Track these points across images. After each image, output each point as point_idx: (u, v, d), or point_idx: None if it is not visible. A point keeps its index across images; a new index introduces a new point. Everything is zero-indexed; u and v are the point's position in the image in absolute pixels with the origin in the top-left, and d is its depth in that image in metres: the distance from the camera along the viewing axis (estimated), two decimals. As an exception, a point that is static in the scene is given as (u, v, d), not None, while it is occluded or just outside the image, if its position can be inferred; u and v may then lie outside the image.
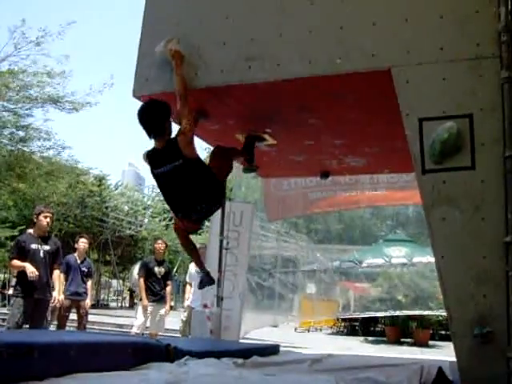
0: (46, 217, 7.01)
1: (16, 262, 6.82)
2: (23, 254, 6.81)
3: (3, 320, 14.47)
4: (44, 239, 7.04)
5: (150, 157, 4.24)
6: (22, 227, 20.58)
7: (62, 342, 3.32)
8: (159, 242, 9.73)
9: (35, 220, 7.06)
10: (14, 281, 9.34)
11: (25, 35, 17.73)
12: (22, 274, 6.72)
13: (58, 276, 7.28)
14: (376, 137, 5.05)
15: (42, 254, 6.89)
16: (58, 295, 7.24)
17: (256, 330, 11.59)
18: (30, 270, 6.56)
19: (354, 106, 4.25)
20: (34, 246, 6.87)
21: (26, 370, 2.76)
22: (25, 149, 19.24)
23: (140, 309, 9.10)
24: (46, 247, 6.98)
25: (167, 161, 4.11)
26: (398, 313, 15.46)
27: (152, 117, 4.12)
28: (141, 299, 9.18)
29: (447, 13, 3.44)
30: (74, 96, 18.92)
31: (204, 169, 4.31)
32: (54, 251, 7.13)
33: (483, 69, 3.28)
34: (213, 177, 4.34)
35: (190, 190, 4.22)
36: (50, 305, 7.17)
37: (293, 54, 3.82)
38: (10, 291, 16.69)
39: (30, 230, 7.40)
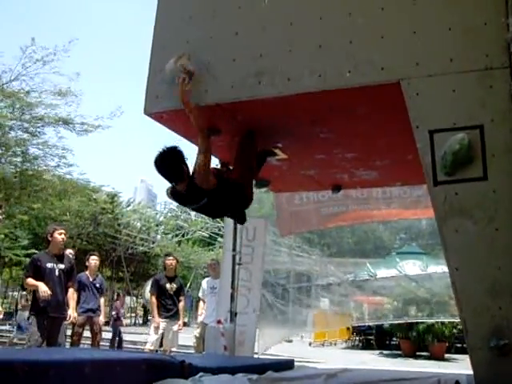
0: (60, 234, 7.06)
1: (30, 281, 6.84)
2: (39, 272, 6.84)
3: (18, 338, 14.50)
4: (59, 258, 7.07)
5: (175, 196, 4.39)
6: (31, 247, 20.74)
7: (76, 359, 3.32)
8: (170, 258, 9.67)
9: (49, 238, 7.09)
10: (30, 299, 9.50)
11: (30, 54, 17.81)
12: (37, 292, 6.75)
13: (72, 294, 7.30)
14: (387, 149, 5.04)
15: (57, 273, 6.93)
16: (72, 313, 7.26)
17: (274, 345, 11.55)
18: (43, 289, 6.59)
19: (365, 118, 4.25)
20: (49, 265, 6.91)
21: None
22: (35, 167, 19.30)
23: (153, 325, 9.09)
24: (61, 266, 7.02)
25: (194, 201, 4.33)
26: (413, 320, 15.31)
27: (169, 166, 4.19)
28: (153, 316, 9.16)
29: (456, 24, 3.45)
30: (84, 119, 18.98)
31: (227, 188, 4.39)
32: (69, 269, 7.17)
33: (493, 79, 3.28)
34: (236, 188, 4.47)
35: (222, 210, 4.69)
36: (65, 322, 7.19)
37: (303, 69, 3.83)
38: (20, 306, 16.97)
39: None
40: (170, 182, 4.28)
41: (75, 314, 7.52)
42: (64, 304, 7.02)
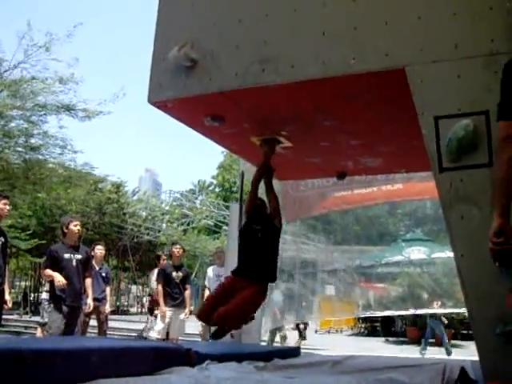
0: (75, 225, 7.15)
1: (47, 272, 6.94)
2: (56, 263, 6.91)
3: (26, 327, 14.57)
4: (75, 248, 7.15)
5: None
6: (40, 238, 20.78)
7: (84, 347, 3.34)
8: (177, 246, 9.62)
9: (65, 230, 7.16)
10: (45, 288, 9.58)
11: (33, 40, 17.68)
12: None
13: (89, 284, 7.41)
14: (392, 136, 5.02)
15: (74, 263, 7.01)
16: (90, 302, 7.40)
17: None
18: (58, 279, 6.67)
19: (369, 105, 4.23)
20: (66, 255, 6.98)
21: (50, 376, 2.78)
22: (39, 156, 19.25)
23: (159, 314, 9.11)
24: (78, 256, 7.10)
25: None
26: (419, 311, 15.32)
27: None
28: (160, 305, 9.17)
29: (461, 10, 3.41)
30: (86, 104, 18.90)
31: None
32: (85, 260, 7.26)
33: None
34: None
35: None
36: (85, 311, 7.33)
37: (307, 56, 3.82)
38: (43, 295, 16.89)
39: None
40: None
41: (91, 303, 7.61)
42: (81, 293, 7.12)
